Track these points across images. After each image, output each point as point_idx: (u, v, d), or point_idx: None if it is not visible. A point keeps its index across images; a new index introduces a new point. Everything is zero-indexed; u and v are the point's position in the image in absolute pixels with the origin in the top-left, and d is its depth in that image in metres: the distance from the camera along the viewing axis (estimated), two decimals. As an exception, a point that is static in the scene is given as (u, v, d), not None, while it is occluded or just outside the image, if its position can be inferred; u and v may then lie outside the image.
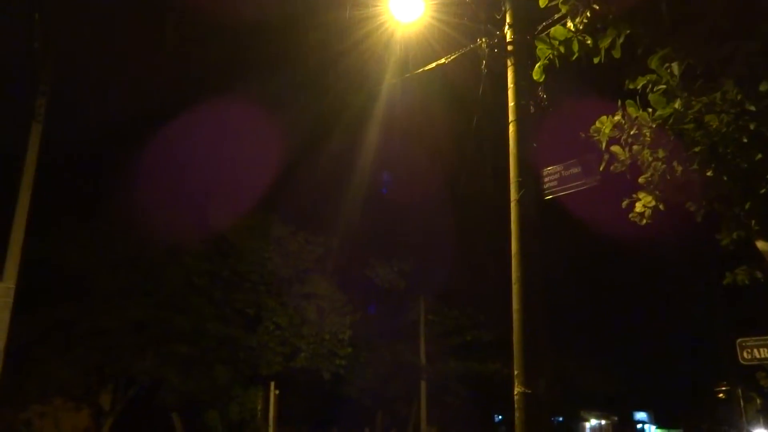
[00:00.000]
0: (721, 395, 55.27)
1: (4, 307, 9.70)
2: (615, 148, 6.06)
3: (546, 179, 5.17)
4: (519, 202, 5.05)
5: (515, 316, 4.80)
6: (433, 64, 5.97)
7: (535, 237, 5.01)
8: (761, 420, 47.56)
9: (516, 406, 4.60)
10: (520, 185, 5.10)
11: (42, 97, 9.70)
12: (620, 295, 39.77)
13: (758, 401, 43.64)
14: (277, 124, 15.89)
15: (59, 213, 14.47)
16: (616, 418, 63.90)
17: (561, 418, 43.66)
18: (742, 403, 45.38)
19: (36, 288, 13.93)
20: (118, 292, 15.39)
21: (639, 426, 73.08)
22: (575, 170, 5.07)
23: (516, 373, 4.66)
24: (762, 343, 9.13)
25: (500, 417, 33.50)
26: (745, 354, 9.29)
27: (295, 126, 16.23)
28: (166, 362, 15.98)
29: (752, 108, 5.42)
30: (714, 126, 5.68)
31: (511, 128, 5.35)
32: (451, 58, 5.90)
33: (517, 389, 4.62)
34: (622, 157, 6.07)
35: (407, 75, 6.22)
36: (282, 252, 17.26)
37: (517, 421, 4.59)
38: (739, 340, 9.34)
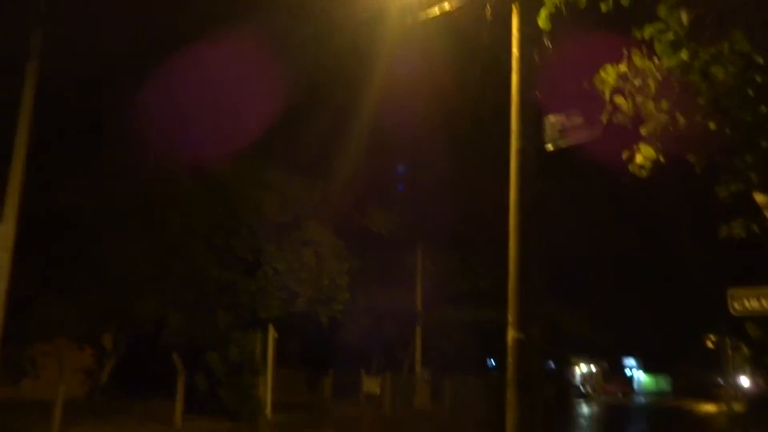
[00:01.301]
0: (709, 344, 56.69)
1: (5, 250, 9.82)
2: (618, 99, 5.99)
3: (548, 129, 5.14)
4: (519, 151, 5.03)
5: (511, 264, 4.86)
6: (437, 10, 5.81)
7: (534, 187, 5.01)
8: (746, 368, 48.94)
9: (509, 351, 4.72)
10: (522, 135, 5.07)
11: (38, 32, 9.48)
12: (615, 246, 40.10)
13: (745, 350, 44.74)
14: (278, 67, 15.57)
15: (57, 157, 14.39)
16: (605, 364, 65.78)
17: (552, 364, 44.91)
18: (729, 352, 46.64)
19: (36, 231, 14.02)
20: (117, 236, 15.50)
21: (628, 371, 75.32)
22: (578, 121, 5.02)
23: (510, 319, 4.77)
24: (753, 293, 9.23)
25: (494, 362, 34.45)
26: (735, 305, 9.41)
27: (296, 70, 15.92)
28: (167, 305, 16.27)
29: (760, 60, 5.33)
30: (720, 78, 5.59)
31: (514, 77, 5.27)
32: (457, 3, 5.74)
33: (510, 334, 4.73)
34: (625, 108, 6.01)
35: (411, 21, 6.07)
36: (280, 198, 17.29)
37: (509, 366, 4.72)
38: (730, 291, 9.43)
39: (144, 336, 18.56)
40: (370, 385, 26.33)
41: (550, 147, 5.10)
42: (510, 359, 4.75)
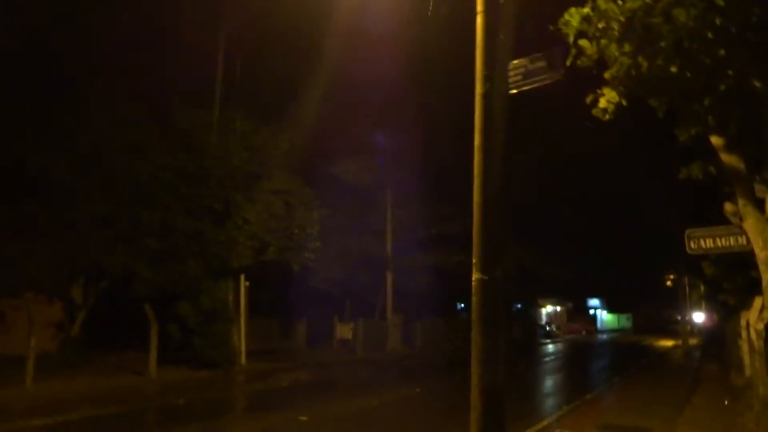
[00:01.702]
0: (668, 283, 59.13)
1: (-36, 203, 9.55)
2: (582, 42, 6.01)
3: (511, 73, 5.15)
4: (484, 95, 5.05)
5: (475, 208, 4.95)
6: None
7: (499, 132, 5.06)
8: (702, 305, 51.29)
9: (473, 291, 4.87)
10: (486, 79, 5.07)
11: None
12: (579, 189, 40.89)
13: (702, 288, 46.77)
14: (244, 12, 15.11)
15: (15, 109, 13.87)
16: (570, 305, 68.17)
17: (519, 305, 46.35)
18: (687, 290, 48.77)
19: (1, 185, 13.64)
20: (83, 187, 15.15)
21: (591, 311, 78.32)
22: (540, 64, 5.04)
23: (474, 261, 4.90)
24: (708, 234, 9.58)
25: (462, 305, 35.40)
26: (692, 244, 9.77)
27: (256, 19, 15.46)
28: (136, 256, 16.11)
29: (720, 2, 5.38)
30: (682, 20, 5.63)
31: (478, 19, 5.21)
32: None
33: (474, 276, 4.87)
34: (590, 51, 6.05)
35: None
36: (247, 147, 17.02)
37: (474, 306, 4.87)
38: (687, 231, 9.79)
39: (114, 287, 18.43)
40: (343, 331, 26.92)
41: (513, 91, 5.13)
42: (474, 299, 4.90)
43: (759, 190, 6.77)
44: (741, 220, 6.76)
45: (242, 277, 18.92)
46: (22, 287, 16.57)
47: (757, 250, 6.45)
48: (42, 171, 14.44)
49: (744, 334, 11.33)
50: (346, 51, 16.87)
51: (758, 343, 6.50)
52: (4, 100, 12.83)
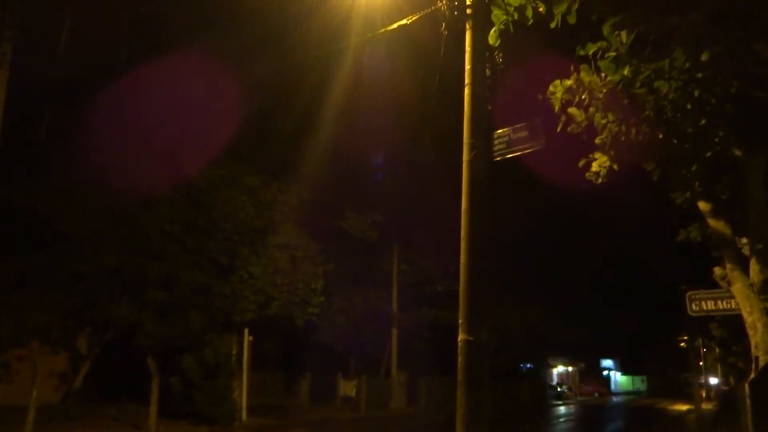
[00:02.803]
0: (682, 344, 57.83)
1: (-24, 254, 9.84)
2: (572, 110, 6.30)
3: (496, 141, 5.41)
4: (470, 162, 5.30)
5: (462, 269, 5.12)
6: (396, 25, 6.07)
7: (484, 196, 5.27)
8: (718, 367, 49.97)
9: (459, 352, 4.97)
10: (472, 146, 5.33)
11: (7, 43, 9.57)
12: (586, 251, 40.93)
13: (717, 350, 45.73)
14: (246, 78, 15.80)
15: (28, 161, 14.40)
16: (582, 365, 66.69)
17: (529, 365, 45.49)
18: (702, 352, 47.65)
19: (10, 235, 14.00)
20: (93, 239, 15.50)
21: (605, 372, 76.45)
22: (523, 134, 5.31)
23: (460, 321, 5.02)
24: (709, 296, 9.59)
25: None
26: (693, 306, 9.78)
27: (264, 81, 16.16)
28: (142, 308, 16.29)
29: (699, 75, 5.66)
30: (664, 91, 5.91)
31: (467, 90, 5.53)
32: (413, 19, 6.01)
33: (460, 336, 4.98)
34: (579, 119, 6.33)
35: (370, 35, 6.31)
36: (255, 202, 17.41)
37: (459, 366, 4.96)
38: (688, 293, 9.81)
39: (119, 339, 18.52)
40: (347, 387, 26.53)
41: (497, 158, 5.38)
42: (460, 360, 4.99)
43: (745, 249, 6.87)
44: (729, 284, 6.84)
45: (246, 331, 18.93)
46: (29, 337, 16.71)
47: (745, 315, 6.50)
48: (52, 223, 14.82)
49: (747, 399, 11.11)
50: (353, 108, 17.49)
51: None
52: (17, 145, 13.32)
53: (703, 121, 6.05)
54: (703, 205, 7.13)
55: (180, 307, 16.50)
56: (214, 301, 16.81)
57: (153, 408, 15.29)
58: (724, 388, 47.92)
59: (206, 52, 14.01)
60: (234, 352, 18.24)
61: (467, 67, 5.60)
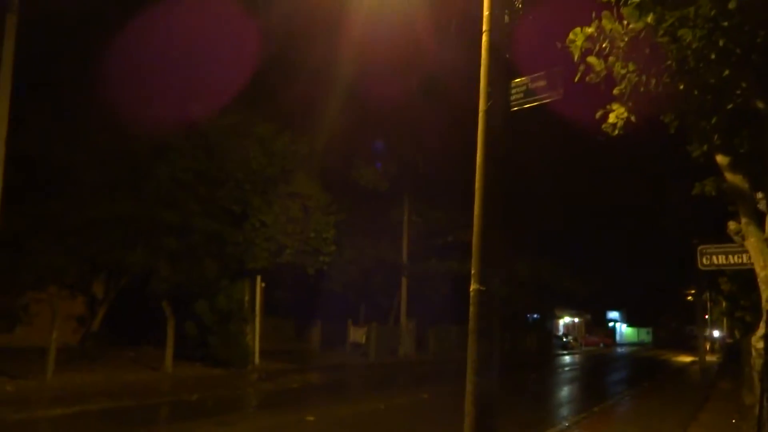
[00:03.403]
0: (689, 298, 58.21)
1: (-7, 199, 9.98)
2: (591, 59, 6.14)
3: (513, 91, 5.30)
4: (486, 112, 5.22)
5: (475, 220, 5.11)
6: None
7: (500, 147, 5.22)
8: (723, 321, 50.41)
9: (471, 301, 5.02)
10: (489, 96, 5.24)
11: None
12: (597, 204, 40.66)
13: (724, 304, 46.00)
14: (259, 22, 15.46)
15: (41, 107, 14.35)
16: (589, 316, 67.53)
17: (536, 315, 46.14)
18: (708, 306, 47.98)
19: (24, 182, 14.12)
20: (106, 186, 15.61)
21: (611, 324, 77.46)
22: (541, 83, 5.18)
23: (473, 272, 5.05)
24: (721, 250, 9.58)
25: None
26: (704, 260, 9.78)
27: (276, 25, 15.80)
28: (155, 254, 16.53)
29: (725, 24, 5.47)
30: (687, 40, 5.73)
31: (484, 38, 5.38)
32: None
33: (473, 286, 5.03)
34: (598, 68, 6.18)
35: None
36: (266, 151, 17.34)
37: (471, 315, 5.03)
38: (699, 247, 9.79)
39: (134, 284, 18.91)
40: (357, 334, 27.13)
41: (514, 108, 5.29)
42: (471, 309, 5.05)
43: (761, 204, 6.82)
44: (743, 239, 6.82)
45: (258, 278, 19.25)
46: (47, 281, 17.11)
47: (758, 269, 6.50)
48: (67, 168, 14.90)
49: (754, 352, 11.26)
50: (366, 56, 17.13)
51: (757, 362, 6.52)
52: (33, 94, 13.28)
53: (727, 72, 5.88)
54: (720, 159, 7.03)
55: (193, 255, 16.73)
56: (226, 249, 17.02)
57: (169, 351, 15.78)
58: (729, 341, 48.48)
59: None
60: (247, 298, 18.62)
61: (485, 13, 5.43)
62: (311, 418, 10.44)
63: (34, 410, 10.00)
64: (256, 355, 18.84)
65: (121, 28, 13.85)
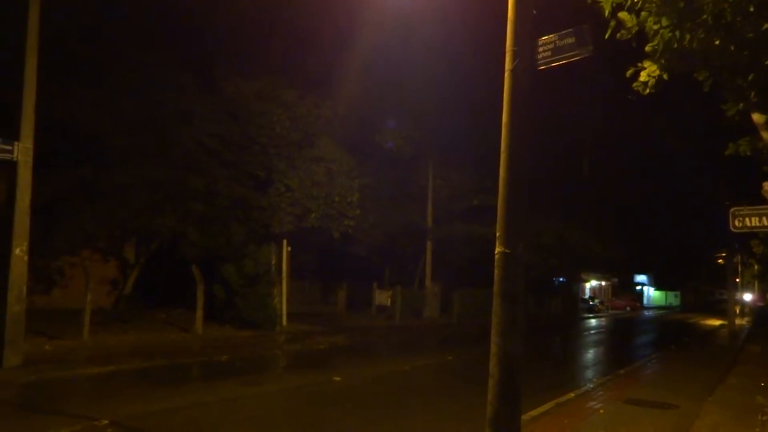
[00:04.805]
0: (720, 261, 57.24)
1: (25, 166, 10.18)
2: (622, 14, 5.93)
3: (540, 49, 5.14)
4: (512, 71, 5.08)
5: (501, 183, 5.04)
6: None
7: (526, 108, 5.10)
8: (755, 284, 49.59)
9: (495, 264, 5.00)
10: (515, 54, 5.10)
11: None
12: (625, 166, 39.88)
13: (756, 267, 45.11)
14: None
15: (69, 75, 14.48)
16: (616, 280, 67.04)
17: (561, 278, 45.96)
18: (739, 269, 47.16)
19: (54, 148, 14.39)
20: (134, 151, 15.83)
21: (638, 288, 76.84)
22: (569, 40, 5.01)
23: (498, 234, 5.02)
24: (754, 212, 9.36)
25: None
26: (736, 222, 9.57)
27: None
28: (183, 219, 16.83)
29: (765, -26, 5.22)
30: (724, -8, 5.49)
31: (510, -7, 5.22)
32: None
33: (497, 249, 4.99)
34: (630, 24, 5.97)
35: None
36: (290, 115, 17.33)
37: (495, 278, 5.01)
38: (732, 209, 9.58)
39: (164, 248, 19.33)
40: (382, 297, 27.41)
41: (542, 67, 5.14)
42: (496, 272, 5.03)
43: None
44: (778, 200, 6.63)
45: (285, 242, 19.48)
46: (80, 245, 17.59)
47: (792, 231, 6.34)
48: (96, 134, 15.11)
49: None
50: (389, 20, 16.83)
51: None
52: (60, 62, 13.39)
53: (766, 26, 5.63)
54: (757, 117, 6.79)
55: (220, 219, 16.99)
56: (252, 213, 17.23)
57: (199, 313, 16.17)
58: (760, 304, 47.77)
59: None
60: (273, 262, 18.88)
61: (511, -33, 5.24)
62: (338, 378, 10.66)
63: (72, 369, 10.39)
64: (284, 317, 19.20)
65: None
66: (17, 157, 10.06)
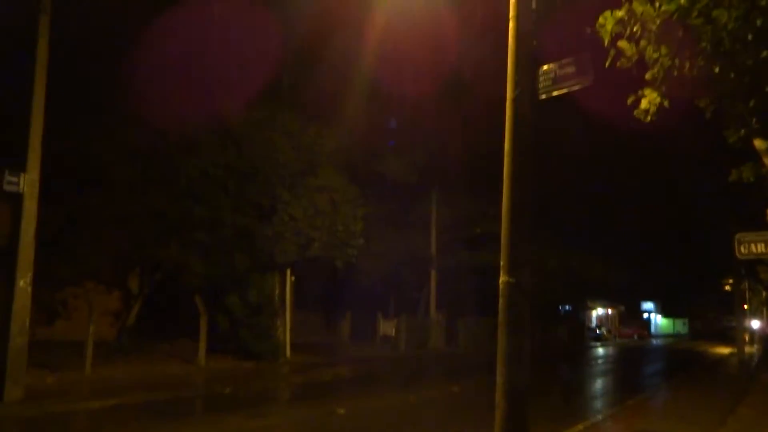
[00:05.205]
0: (727, 288, 56.69)
1: (31, 198, 10.24)
2: (622, 43, 5.99)
3: (541, 78, 5.20)
4: (514, 100, 5.13)
5: (504, 211, 5.04)
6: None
7: (528, 136, 5.13)
8: (764, 311, 48.99)
9: (500, 293, 4.97)
10: (516, 83, 5.15)
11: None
12: (630, 192, 39.86)
13: (764, 294, 44.67)
14: (284, 17, 15.55)
15: (75, 106, 14.66)
16: (622, 307, 66.35)
17: (567, 306, 45.56)
18: (747, 296, 46.65)
19: (61, 178, 14.47)
20: (139, 182, 15.92)
21: (645, 315, 75.98)
22: (570, 70, 5.07)
23: (502, 263, 4.99)
24: (759, 238, 9.31)
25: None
26: (742, 249, 9.51)
27: (302, 20, 15.87)
28: (187, 249, 16.81)
29: (763, 3, 5.29)
30: (723, 21, 5.55)
31: (511, 24, 5.29)
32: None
33: (502, 278, 4.97)
34: (629, 53, 6.02)
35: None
36: (294, 145, 17.44)
37: (500, 308, 4.97)
38: (737, 235, 9.53)
39: (167, 279, 19.28)
40: (386, 327, 27.18)
41: (543, 96, 5.18)
42: (501, 301, 5.00)
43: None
44: (784, 226, 6.60)
45: (288, 271, 19.42)
46: (84, 277, 17.55)
47: (799, 258, 6.28)
48: (101, 166, 15.21)
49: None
50: (391, 49, 17.09)
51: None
52: (66, 93, 13.57)
53: (765, 53, 5.67)
54: (759, 143, 6.80)
55: (224, 249, 16.97)
56: (256, 243, 17.20)
57: (202, 344, 16.05)
58: (767, 331, 47.12)
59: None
60: (277, 291, 18.80)
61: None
62: (342, 411, 10.50)
63: (74, 402, 10.27)
64: (287, 347, 19.02)
65: (150, 26, 14.08)
66: (23, 188, 10.12)
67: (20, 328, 9.94)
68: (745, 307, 46.45)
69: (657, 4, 5.64)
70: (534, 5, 5.38)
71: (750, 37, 5.45)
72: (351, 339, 27.75)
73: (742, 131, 7.37)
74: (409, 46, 17.17)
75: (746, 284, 45.34)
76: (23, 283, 10.02)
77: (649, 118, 6.56)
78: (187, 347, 17.20)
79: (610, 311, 64.33)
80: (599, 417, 10.51)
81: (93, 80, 15.19)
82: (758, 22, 5.32)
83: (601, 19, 5.70)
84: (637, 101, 6.45)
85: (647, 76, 6.18)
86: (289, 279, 19.57)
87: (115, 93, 15.49)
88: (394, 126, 22.73)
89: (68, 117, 14.28)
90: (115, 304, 19.92)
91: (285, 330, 19.02)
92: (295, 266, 19.31)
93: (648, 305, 76.89)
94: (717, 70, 6.04)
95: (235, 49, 15.72)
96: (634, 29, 5.70)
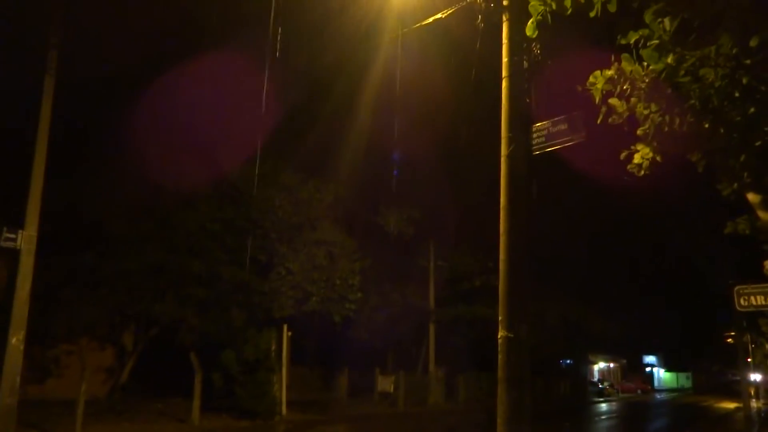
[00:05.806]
0: (729, 340, 55.97)
1: (28, 254, 10.23)
2: (613, 101, 6.15)
3: (535, 135, 5.32)
4: (508, 157, 5.23)
5: (501, 265, 5.05)
6: (431, 19, 6.02)
7: (523, 191, 5.20)
8: (767, 364, 48.20)
9: (499, 349, 4.92)
10: (510, 140, 5.26)
11: (53, 50, 9.89)
12: (629, 246, 40.03)
13: (766, 346, 44.02)
14: (282, 75, 15.98)
15: (75, 163, 14.86)
16: (624, 361, 65.25)
17: (569, 361, 44.81)
18: (750, 348, 45.99)
19: (58, 235, 14.51)
20: (136, 237, 15.94)
21: (648, 369, 74.67)
22: (562, 127, 5.20)
23: (500, 318, 4.96)
24: (759, 291, 9.29)
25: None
26: (741, 301, 9.48)
27: (299, 78, 16.32)
28: (184, 304, 16.68)
29: (747, 62, 5.46)
30: (710, 79, 5.72)
31: (504, 84, 5.45)
32: (449, 12, 5.95)
33: (500, 333, 4.93)
34: (620, 110, 6.17)
35: (405, 30, 6.28)
36: (293, 199, 17.61)
37: (499, 363, 4.91)
38: (736, 288, 9.51)
39: (162, 336, 19.02)
40: (385, 383, 26.58)
41: (536, 152, 5.29)
42: (500, 357, 4.94)
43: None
44: (781, 279, 6.60)
45: (285, 326, 19.17)
46: (78, 333, 17.32)
47: (797, 310, 6.27)
48: (97, 221, 15.28)
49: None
50: (382, 108, 17.54)
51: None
52: (66, 151, 13.77)
53: (752, 110, 5.83)
54: (752, 197, 6.87)
55: (221, 304, 16.85)
56: (253, 298, 17.11)
57: (196, 402, 15.65)
58: (773, 385, 46.26)
59: (242, 50, 14.21)
60: (273, 347, 18.49)
61: (504, 59, 5.51)
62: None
63: (62, 465, 9.94)
64: (283, 405, 18.55)
65: (149, 84, 14.44)
66: (20, 245, 10.13)
67: (11, 388, 9.74)
68: (749, 360, 45.72)
69: (645, 64, 5.83)
70: (526, 65, 5.54)
71: (737, 94, 5.61)
72: (349, 395, 27.11)
73: (735, 185, 7.48)
74: (406, 102, 17.61)
75: (748, 337, 44.79)
76: (15, 340, 9.88)
77: (642, 172, 6.67)
78: (181, 405, 16.77)
79: (611, 365, 63.26)
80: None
81: (92, 137, 15.46)
82: (744, 80, 5.48)
83: (591, 78, 5.87)
84: (630, 156, 6.58)
85: (639, 131, 6.32)
86: (286, 334, 19.30)
87: (115, 149, 15.73)
88: (397, 174, 22.99)
89: (67, 173, 14.45)
90: (108, 360, 19.56)
91: (281, 387, 18.59)
92: (292, 321, 19.11)
93: (650, 359, 75.73)
94: (707, 125, 6.18)
95: (233, 106, 16.09)
96: (624, 87, 5.87)
